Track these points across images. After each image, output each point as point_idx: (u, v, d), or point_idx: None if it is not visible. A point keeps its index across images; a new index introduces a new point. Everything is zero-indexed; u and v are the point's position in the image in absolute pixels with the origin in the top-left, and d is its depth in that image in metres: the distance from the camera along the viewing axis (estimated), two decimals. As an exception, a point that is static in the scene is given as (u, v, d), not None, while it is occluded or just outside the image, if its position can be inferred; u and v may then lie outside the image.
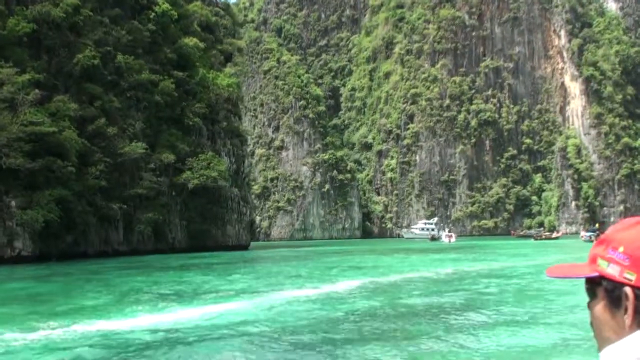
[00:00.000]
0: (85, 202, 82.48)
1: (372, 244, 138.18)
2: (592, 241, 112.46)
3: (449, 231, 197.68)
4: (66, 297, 31.48)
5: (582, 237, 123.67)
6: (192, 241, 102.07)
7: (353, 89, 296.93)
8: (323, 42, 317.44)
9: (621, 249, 2.13)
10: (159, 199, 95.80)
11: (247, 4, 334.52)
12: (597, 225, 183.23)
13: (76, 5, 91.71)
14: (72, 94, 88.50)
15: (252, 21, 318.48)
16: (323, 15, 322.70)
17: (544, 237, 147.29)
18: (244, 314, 23.50)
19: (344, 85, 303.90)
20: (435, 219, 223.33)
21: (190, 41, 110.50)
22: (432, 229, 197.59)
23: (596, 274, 2.18)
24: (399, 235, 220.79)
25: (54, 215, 74.68)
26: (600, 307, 2.16)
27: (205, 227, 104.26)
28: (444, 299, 26.63)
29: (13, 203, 74.00)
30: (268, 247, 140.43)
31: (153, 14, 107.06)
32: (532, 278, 35.71)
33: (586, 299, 1.71)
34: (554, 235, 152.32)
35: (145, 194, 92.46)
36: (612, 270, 2.13)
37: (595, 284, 2.20)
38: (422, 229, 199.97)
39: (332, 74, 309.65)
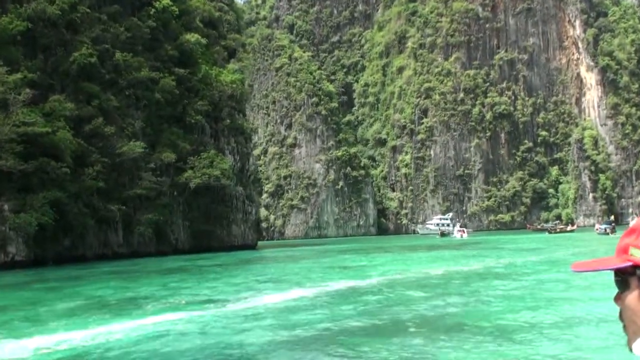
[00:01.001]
0: (81, 204, 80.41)
1: (382, 242, 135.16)
2: (607, 234, 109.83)
3: (461, 226, 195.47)
4: (11, 309, 29.10)
5: (596, 229, 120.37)
6: (196, 242, 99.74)
7: (366, 85, 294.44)
8: (335, 38, 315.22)
9: None
10: (160, 199, 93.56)
11: (259, 1, 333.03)
12: (612, 217, 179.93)
13: (73, 2, 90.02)
14: (69, 93, 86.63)
15: (264, 18, 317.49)
16: (335, 11, 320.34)
17: (558, 230, 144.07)
18: (174, 328, 21.38)
19: (356, 81, 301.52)
20: (450, 214, 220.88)
21: (192, 37, 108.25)
22: (447, 224, 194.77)
23: (629, 263, 2.10)
24: (414, 232, 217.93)
25: (48, 218, 72.67)
26: (634, 297, 2.09)
27: (209, 227, 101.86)
28: (400, 310, 23.96)
29: (6, 207, 71.97)
30: (277, 246, 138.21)
31: (153, 10, 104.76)
32: (526, 279, 32.94)
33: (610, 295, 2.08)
34: (569, 228, 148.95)
35: (145, 195, 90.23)
36: None
37: (627, 275, 2.12)
38: (437, 225, 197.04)
39: (344, 70, 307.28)
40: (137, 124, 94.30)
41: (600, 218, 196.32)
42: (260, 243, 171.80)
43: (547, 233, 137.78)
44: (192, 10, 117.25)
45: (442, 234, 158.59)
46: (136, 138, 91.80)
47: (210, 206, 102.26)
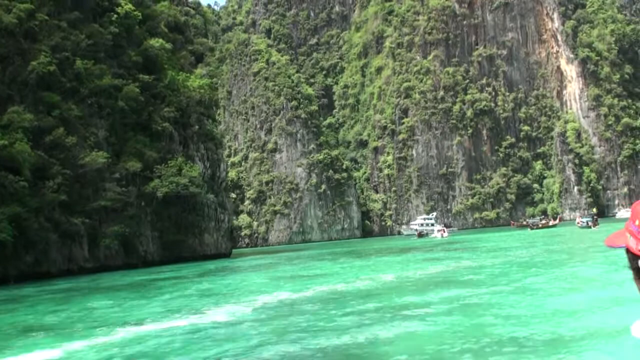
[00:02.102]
0: (43, 219, 77.37)
1: (361, 245, 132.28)
2: (589, 227, 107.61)
3: (445, 225, 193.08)
4: None
5: (578, 223, 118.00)
6: (167, 253, 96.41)
7: (346, 87, 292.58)
8: (313, 41, 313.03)
9: (637, 222, 2.13)
10: (126, 210, 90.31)
11: (236, 7, 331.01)
12: (594, 210, 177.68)
13: (30, 10, 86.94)
14: (28, 103, 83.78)
15: (241, 24, 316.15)
16: (312, 14, 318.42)
17: (540, 225, 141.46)
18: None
19: (336, 83, 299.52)
20: (434, 213, 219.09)
21: (156, 42, 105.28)
22: (431, 224, 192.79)
23: (624, 245, 2.15)
24: (399, 233, 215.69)
25: (6, 234, 69.63)
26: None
27: (180, 237, 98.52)
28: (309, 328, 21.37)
29: (-40, 224, 68.91)
30: (255, 253, 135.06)
31: (115, 16, 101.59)
32: (458, 289, 29.96)
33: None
34: (551, 223, 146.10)
35: (110, 206, 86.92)
36: (632, 243, 2.13)
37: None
38: (421, 225, 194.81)
39: (324, 72, 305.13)
40: (100, 133, 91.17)
41: (585, 211, 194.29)
42: (239, 251, 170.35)
43: (529, 229, 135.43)
44: (157, 15, 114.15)
45: (420, 235, 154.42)
46: (100, 148, 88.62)
47: (181, 215, 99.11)
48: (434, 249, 77.24)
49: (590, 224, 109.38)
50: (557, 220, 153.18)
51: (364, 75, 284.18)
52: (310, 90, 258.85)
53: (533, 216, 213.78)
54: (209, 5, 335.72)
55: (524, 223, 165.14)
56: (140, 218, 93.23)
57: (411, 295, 29.40)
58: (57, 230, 79.52)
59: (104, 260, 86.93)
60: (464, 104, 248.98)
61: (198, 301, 34.35)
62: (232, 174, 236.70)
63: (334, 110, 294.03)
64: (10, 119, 78.37)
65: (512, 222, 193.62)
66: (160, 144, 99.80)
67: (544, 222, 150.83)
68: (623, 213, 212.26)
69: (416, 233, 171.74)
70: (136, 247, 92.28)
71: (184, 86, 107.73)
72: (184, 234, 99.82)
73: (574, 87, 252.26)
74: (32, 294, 51.37)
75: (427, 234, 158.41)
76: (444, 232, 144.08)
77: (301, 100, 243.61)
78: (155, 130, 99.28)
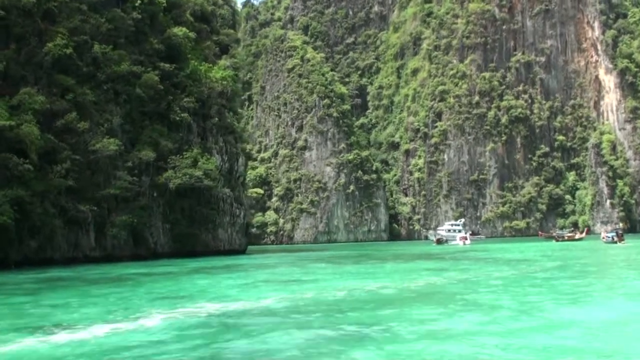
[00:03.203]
0: (48, 204, 75.34)
1: (382, 248, 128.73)
2: (614, 242, 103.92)
3: (473, 233, 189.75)
4: None
5: (603, 238, 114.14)
6: (178, 246, 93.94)
7: (380, 87, 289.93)
8: (350, 40, 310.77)
9: None
10: (138, 200, 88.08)
11: (275, 2, 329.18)
12: (620, 224, 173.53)
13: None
14: (42, 85, 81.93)
15: (279, 19, 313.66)
16: (350, 12, 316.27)
17: (566, 238, 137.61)
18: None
19: (371, 83, 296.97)
20: (463, 220, 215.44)
21: (180, 31, 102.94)
22: (459, 230, 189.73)
23: None
24: (426, 238, 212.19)
25: (7, 217, 67.63)
26: None
27: (192, 230, 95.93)
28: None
29: (-40, 205, 67.09)
30: (273, 251, 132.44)
31: (139, 1, 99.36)
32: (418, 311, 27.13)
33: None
34: (577, 236, 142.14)
35: (121, 195, 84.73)
36: None
37: None
38: (449, 231, 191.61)
39: (359, 72, 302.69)
40: (115, 120, 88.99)
41: (613, 225, 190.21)
42: (261, 247, 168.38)
43: (554, 241, 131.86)
44: (183, 4, 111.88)
45: (439, 242, 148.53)
46: (114, 135, 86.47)
47: (194, 208, 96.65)
48: (445, 258, 74.26)
49: (615, 239, 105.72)
50: (584, 234, 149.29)
51: (399, 77, 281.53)
52: (343, 89, 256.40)
53: (563, 228, 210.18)
54: (248, 0, 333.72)
55: (550, 234, 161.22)
56: (151, 209, 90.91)
57: (376, 310, 26.65)
58: (63, 216, 77.49)
59: (111, 249, 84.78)
60: (499, 110, 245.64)
61: (147, 303, 31.81)
62: (261, 170, 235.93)
63: (367, 111, 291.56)
64: (21, 100, 76.49)
65: (540, 232, 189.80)
66: (178, 135, 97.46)
67: (570, 234, 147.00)
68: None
69: (434, 239, 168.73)
70: (146, 238, 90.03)
71: (206, 77, 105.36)
72: (197, 228, 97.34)
73: (611, 98, 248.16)
74: (15, 282, 49.29)
75: (447, 240, 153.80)
76: (466, 239, 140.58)
77: (334, 98, 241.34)
78: (174, 120, 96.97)
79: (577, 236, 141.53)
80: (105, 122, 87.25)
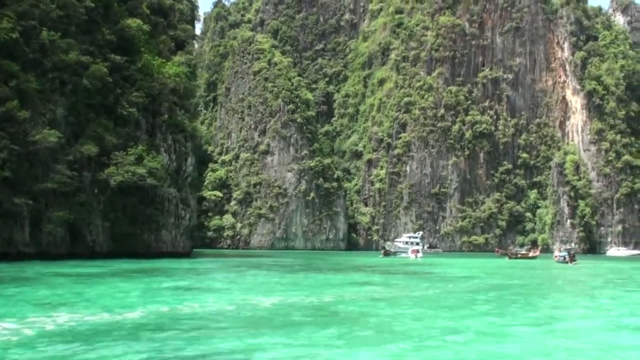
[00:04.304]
0: (-20, 195, 71.93)
1: (331, 258, 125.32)
2: (565, 262, 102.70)
3: (431, 246, 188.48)
4: None
5: (555, 257, 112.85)
6: (118, 246, 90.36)
7: (347, 95, 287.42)
8: (320, 46, 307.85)
9: None
10: (77, 196, 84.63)
11: (246, 4, 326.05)
12: (572, 245, 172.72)
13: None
14: (-16, 70, 78.30)
15: (249, 21, 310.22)
16: (321, 19, 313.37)
17: (519, 255, 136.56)
18: None
19: (338, 91, 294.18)
20: (421, 232, 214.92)
21: (134, 23, 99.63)
22: (417, 243, 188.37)
23: None
24: (383, 248, 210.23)
25: None
26: None
27: (134, 230, 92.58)
28: None
29: None
30: (222, 256, 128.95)
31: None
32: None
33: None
34: (531, 254, 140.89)
35: (59, 190, 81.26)
36: None
37: None
38: (407, 243, 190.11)
39: (326, 79, 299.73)
40: (59, 111, 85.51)
41: (570, 246, 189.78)
42: (214, 252, 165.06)
43: (507, 258, 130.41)
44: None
45: (386, 254, 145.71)
46: (56, 126, 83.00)
47: (137, 208, 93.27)
48: (380, 272, 72.20)
49: (567, 259, 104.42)
50: (538, 252, 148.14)
51: (366, 86, 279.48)
52: (309, 96, 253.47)
53: (523, 245, 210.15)
54: (219, 0, 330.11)
55: (506, 252, 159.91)
56: (91, 206, 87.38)
57: (250, 330, 24.52)
58: (-4, 208, 74.18)
59: (46, 246, 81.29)
60: (464, 124, 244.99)
61: (21, 309, 29.57)
62: (222, 172, 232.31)
63: (333, 119, 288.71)
64: (-45, 85, 73.20)
65: (497, 249, 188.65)
66: (124, 130, 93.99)
67: (523, 252, 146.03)
68: (614, 251, 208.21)
69: (399, 250, 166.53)
70: (84, 236, 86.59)
71: (158, 72, 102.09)
72: (139, 228, 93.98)
73: (577, 119, 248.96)
74: None
75: (395, 253, 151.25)
76: (418, 252, 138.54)
77: (299, 104, 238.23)
78: (121, 115, 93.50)
79: (531, 254, 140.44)
80: (48, 113, 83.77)
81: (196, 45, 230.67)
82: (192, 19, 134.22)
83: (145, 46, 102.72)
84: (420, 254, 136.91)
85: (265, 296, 38.39)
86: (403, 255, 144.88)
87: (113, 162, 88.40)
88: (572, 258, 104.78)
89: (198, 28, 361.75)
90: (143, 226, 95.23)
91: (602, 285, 57.26)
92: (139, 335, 23.21)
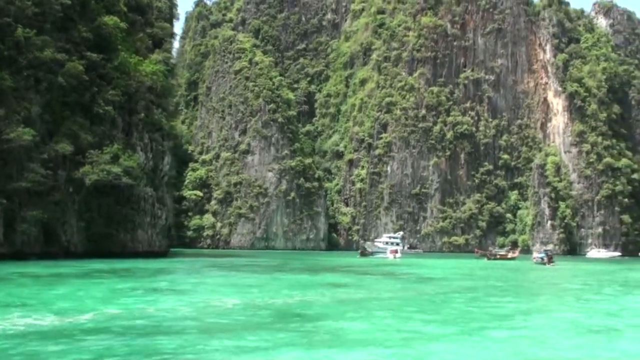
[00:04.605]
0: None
1: (303, 258, 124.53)
2: (543, 263, 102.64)
3: (411, 247, 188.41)
4: None
5: (534, 259, 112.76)
6: (93, 245, 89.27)
7: (328, 95, 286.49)
8: (301, 46, 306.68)
9: None
10: (52, 195, 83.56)
11: (228, 3, 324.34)
12: (549, 246, 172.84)
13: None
14: (-43, 68, 77.17)
15: (231, 21, 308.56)
16: (303, 19, 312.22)
17: (498, 256, 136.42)
18: None
19: (319, 91, 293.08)
20: (401, 233, 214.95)
21: (111, 20, 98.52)
22: (397, 243, 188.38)
23: None
24: (363, 249, 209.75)
25: None
26: None
27: (110, 230, 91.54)
28: None
29: None
30: (201, 255, 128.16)
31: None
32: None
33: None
34: (510, 255, 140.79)
35: (34, 189, 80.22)
36: None
37: None
38: (386, 243, 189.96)
39: (308, 78, 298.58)
40: (33, 109, 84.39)
41: (548, 247, 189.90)
42: (193, 251, 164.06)
43: (485, 259, 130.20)
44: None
45: (363, 254, 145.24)
46: (31, 124, 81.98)
47: (113, 207, 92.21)
48: (354, 272, 71.67)
49: (544, 260, 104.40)
50: (517, 253, 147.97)
51: (347, 86, 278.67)
52: (290, 95, 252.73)
53: (503, 246, 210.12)
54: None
55: (486, 252, 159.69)
56: (66, 205, 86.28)
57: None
58: (-32, 208, 73.11)
59: (20, 246, 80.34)
60: (445, 125, 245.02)
61: None
62: (202, 172, 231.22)
63: (314, 118, 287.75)
64: None
65: (477, 249, 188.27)
66: (100, 129, 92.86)
67: (502, 253, 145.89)
68: (594, 253, 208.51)
69: (378, 250, 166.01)
70: (58, 236, 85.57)
71: (135, 70, 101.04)
72: (114, 228, 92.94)
73: (558, 121, 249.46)
74: None
75: (372, 253, 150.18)
76: (397, 252, 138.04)
77: (280, 104, 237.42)
78: (97, 113, 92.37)
79: (510, 255, 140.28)
80: (23, 111, 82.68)
81: (176, 44, 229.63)
82: (170, 17, 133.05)
83: (122, 44, 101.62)
84: (398, 255, 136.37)
85: (229, 297, 37.94)
86: (381, 255, 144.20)
87: (88, 160, 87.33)
88: (550, 259, 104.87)
89: (178, 27, 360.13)
90: (119, 226, 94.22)
91: (573, 288, 56.95)
92: (78, 339, 22.66)
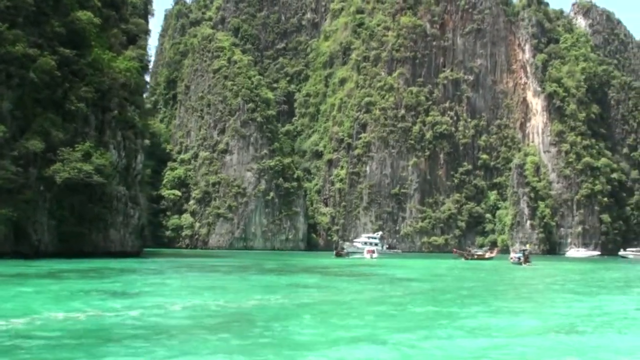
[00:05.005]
0: None
1: (277, 259, 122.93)
2: (520, 263, 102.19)
3: (390, 247, 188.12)
4: None
5: (511, 258, 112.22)
6: (65, 245, 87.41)
7: (308, 95, 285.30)
8: (281, 45, 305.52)
9: None
10: (23, 193, 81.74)
11: (207, 2, 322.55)
12: (527, 246, 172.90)
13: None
14: None
15: (210, 19, 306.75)
16: (283, 18, 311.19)
17: (475, 256, 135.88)
18: None
19: (299, 90, 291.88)
20: (380, 233, 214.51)
21: (84, 15, 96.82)
22: (375, 244, 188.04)
23: None
24: (342, 249, 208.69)
25: None
26: None
27: (82, 229, 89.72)
28: None
29: None
30: (174, 255, 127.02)
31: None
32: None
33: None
34: (487, 255, 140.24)
35: (4, 186, 78.50)
36: None
37: None
38: (365, 243, 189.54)
39: (288, 78, 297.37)
40: (4, 105, 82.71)
41: (525, 247, 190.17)
42: (172, 251, 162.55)
43: (462, 259, 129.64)
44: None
45: (338, 255, 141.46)
46: (2, 120, 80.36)
47: (86, 206, 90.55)
48: (326, 273, 70.59)
49: (521, 260, 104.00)
50: (494, 253, 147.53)
51: (327, 86, 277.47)
52: (269, 95, 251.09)
53: (482, 246, 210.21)
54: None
55: (464, 252, 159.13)
56: (36, 203, 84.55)
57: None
58: None
59: (-12, 245, 78.76)
60: (424, 125, 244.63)
61: None
62: (181, 171, 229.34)
63: (294, 118, 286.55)
64: None
65: (455, 249, 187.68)
66: (72, 126, 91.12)
67: (479, 253, 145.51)
68: (573, 252, 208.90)
69: (357, 250, 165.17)
70: (29, 235, 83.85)
71: (109, 66, 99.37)
72: (86, 227, 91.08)
73: (538, 121, 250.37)
74: None
75: (348, 253, 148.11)
76: (374, 252, 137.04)
77: (259, 103, 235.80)
78: (69, 110, 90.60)
79: (487, 255, 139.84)
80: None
81: (155, 42, 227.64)
82: (145, 13, 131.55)
83: (95, 40, 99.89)
84: (375, 255, 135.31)
85: (182, 300, 36.71)
86: (357, 255, 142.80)
87: (59, 158, 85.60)
88: (527, 259, 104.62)
89: (157, 24, 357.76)
90: (91, 225, 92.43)
91: (544, 289, 56.04)
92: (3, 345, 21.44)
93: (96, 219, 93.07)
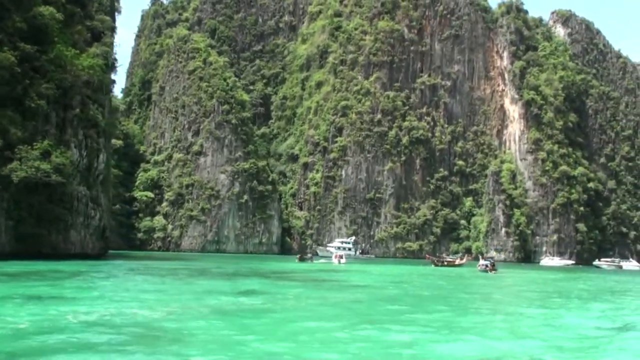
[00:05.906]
0: None
1: (241, 262, 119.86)
2: (487, 271, 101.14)
3: (363, 252, 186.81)
4: None
5: (479, 266, 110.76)
6: (22, 246, 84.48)
7: (284, 98, 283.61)
8: (258, 47, 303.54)
9: None
10: (-22, 192, 79.20)
11: (184, 3, 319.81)
12: (492, 254, 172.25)
13: None
14: None
15: (187, 20, 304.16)
16: (260, 20, 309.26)
17: (445, 263, 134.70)
18: None
19: (275, 93, 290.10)
20: (353, 237, 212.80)
21: (47, 10, 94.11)
22: (349, 248, 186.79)
23: None
24: (316, 253, 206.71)
25: None
26: None
27: (40, 230, 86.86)
28: None
29: None
30: (142, 258, 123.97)
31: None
32: None
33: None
34: (458, 262, 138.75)
35: (-43, 185, 75.90)
36: None
37: None
38: (338, 248, 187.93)
39: (264, 80, 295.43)
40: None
41: (491, 255, 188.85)
42: (144, 254, 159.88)
43: (432, 265, 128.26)
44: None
45: (302, 259, 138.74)
46: (-42, 118, 77.78)
47: (45, 206, 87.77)
48: (280, 278, 68.53)
49: (488, 268, 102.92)
50: (465, 260, 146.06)
51: (303, 89, 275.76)
52: (245, 97, 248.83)
53: (457, 253, 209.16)
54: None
55: (436, 258, 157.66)
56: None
57: None
58: None
59: (-59, 246, 75.95)
60: (401, 130, 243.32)
61: None
62: (154, 173, 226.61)
63: (270, 121, 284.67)
64: None
65: (427, 255, 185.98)
66: (32, 124, 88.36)
67: (449, 260, 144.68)
68: (547, 261, 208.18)
69: (329, 255, 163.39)
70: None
71: (71, 63, 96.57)
72: (45, 228, 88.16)
73: (515, 128, 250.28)
74: None
75: (311, 258, 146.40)
76: (342, 258, 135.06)
77: (234, 105, 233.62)
78: (29, 107, 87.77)
79: (457, 262, 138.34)
80: (-52, 103, 78.31)
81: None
82: (112, 10, 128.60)
83: (58, 36, 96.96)
84: (344, 260, 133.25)
85: (95, 307, 33.44)
86: (323, 260, 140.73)
87: (17, 156, 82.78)
88: (493, 267, 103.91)
89: (135, 25, 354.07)
90: (50, 226, 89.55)
91: (499, 300, 53.79)
92: None
93: (56, 219, 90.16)
